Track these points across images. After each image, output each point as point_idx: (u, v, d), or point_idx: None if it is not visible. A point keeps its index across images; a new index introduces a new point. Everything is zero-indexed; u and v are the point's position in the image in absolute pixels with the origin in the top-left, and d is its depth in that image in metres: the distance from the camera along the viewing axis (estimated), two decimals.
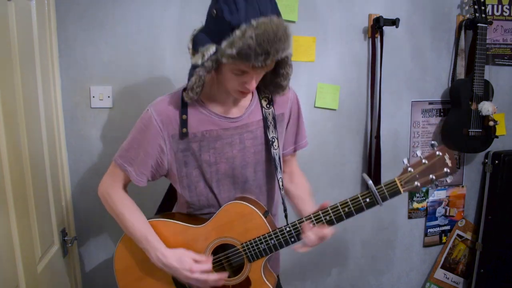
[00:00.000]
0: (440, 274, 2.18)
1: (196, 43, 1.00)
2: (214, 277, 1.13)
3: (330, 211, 1.09)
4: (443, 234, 2.15)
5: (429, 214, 2.11)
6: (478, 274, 2.14)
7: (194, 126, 1.11)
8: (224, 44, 0.92)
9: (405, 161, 1.05)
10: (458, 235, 2.17)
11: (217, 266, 1.19)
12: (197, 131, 1.12)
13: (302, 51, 1.81)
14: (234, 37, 0.90)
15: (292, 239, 1.11)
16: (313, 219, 1.09)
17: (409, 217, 2.09)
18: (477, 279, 2.14)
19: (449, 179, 1.04)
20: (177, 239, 1.17)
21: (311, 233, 1.08)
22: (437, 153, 1.02)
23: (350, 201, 1.08)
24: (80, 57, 1.60)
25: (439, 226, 2.14)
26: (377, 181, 1.93)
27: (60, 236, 1.50)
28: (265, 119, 1.17)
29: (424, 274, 2.18)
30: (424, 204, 2.09)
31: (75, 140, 1.65)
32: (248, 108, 1.16)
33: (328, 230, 1.08)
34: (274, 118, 1.19)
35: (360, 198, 1.07)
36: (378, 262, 2.10)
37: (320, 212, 1.09)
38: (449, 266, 2.18)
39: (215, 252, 1.18)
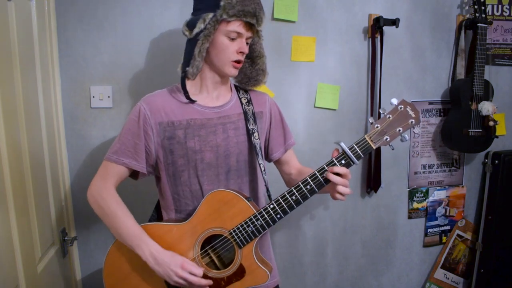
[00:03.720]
0: (440, 274, 2.18)
1: (192, 21, 1.15)
2: (205, 282, 1.13)
3: (309, 180, 1.11)
4: (443, 234, 2.15)
5: (429, 214, 2.11)
6: (478, 274, 2.14)
7: (179, 114, 1.19)
8: (222, 2, 1.11)
9: (371, 119, 1.12)
10: (458, 235, 2.17)
11: (209, 260, 1.19)
12: (182, 119, 1.19)
13: (302, 51, 1.81)
14: None
15: (278, 216, 1.13)
16: (294, 191, 1.12)
17: (409, 217, 2.09)
18: (477, 279, 2.14)
19: (416, 130, 1.11)
20: (163, 240, 1.17)
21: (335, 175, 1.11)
22: (399, 107, 1.10)
23: (327, 165, 1.11)
24: (80, 57, 1.60)
25: (439, 226, 2.14)
26: (377, 181, 1.93)
27: (60, 236, 1.50)
28: (245, 113, 1.25)
29: (424, 274, 2.18)
30: (424, 204, 2.09)
31: (75, 140, 1.65)
32: (229, 102, 1.25)
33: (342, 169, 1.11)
34: (253, 113, 1.27)
35: (336, 161, 1.11)
36: (378, 262, 2.10)
37: (300, 182, 1.12)
38: (449, 266, 2.18)
39: (204, 246, 1.17)
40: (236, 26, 1.14)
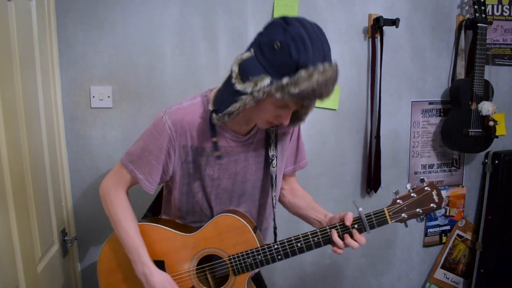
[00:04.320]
0: (440, 274, 2.18)
1: (247, 69, 0.95)
2: None
3: (319, 233, 1.11)
4: (443, 234, 2.15)
5: (429, 214, 2.10)
6: (478, 274, 2.14)
7: (204, 140, 1.12)
8: (285, 80, 0.90)
9: (395, 193, 1.10)
10: (458, 235, 2.17)
11: (202, 276, 1.20)
12: (207, 146, 1.12)
13: None
14: (299, 77, 0.89)
15: (279, 257, 1.13)
16: (301, 239, 1.12)
17: None
18: (477, 279, 2.14)
19: (433, 215, 1.12)
20: (164, 245, 1.18)
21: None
22: (426, 188, 1.09)
23: (339, 225, 1.11)
24: (80, 57, 1.60)
25: (439, 226, 2.13)
26: (377, 181, 1.93)
27: (60, 236, 1.50)
28: (268, 137, 1.18)
29: (424, 274, 2.18)
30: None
31: (75, 140, 1.65)
32: (256, 127, 1.16)
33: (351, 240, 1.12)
34: (276, 136, 1.20)
35: (349, 226, 1.10)
36: (378, 262, 2.10)
37: (308, 233, 1.12)
38: (449, 266, 2.18)
39: (201, 262, 1.18)
40: (288, 103, 0.97)
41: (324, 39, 0.93)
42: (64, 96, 1.61)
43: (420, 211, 1.09)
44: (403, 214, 1.09)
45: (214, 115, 1.02)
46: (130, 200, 1.21)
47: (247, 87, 0.94)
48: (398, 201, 1.09)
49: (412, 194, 1.09)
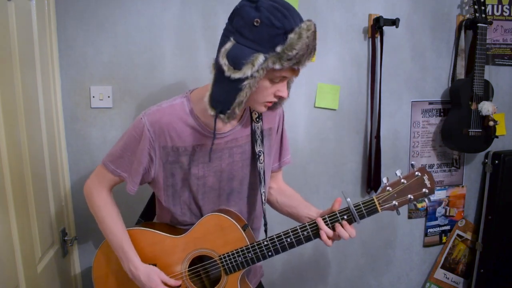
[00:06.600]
0: (440, 274, 2.18)
1: (237, 57, 0.95)
2: None
3: (308, 227, 1.10)
4: (443, 234, 2.15)
5: (429, 214, 2.11)
6: (478, 274, 2.14)
7: (185, 140, 1.11)
8: (279, 49, 0.93)
9: (385, 180, 1.08)
10: (458, 235, 2.17)
11: (195, 277, 1.20)
12: (188, 145, 1.12)
13: None
14: (291, 41, 0.93)
15: (270, 253, 1.12)
16: (291, 234, 1.11)
17: (409, 217, 2.09)
18: (477, 279, 2.14)
19: (427, 200, 1.07)
20: (154, 249, 1.18)
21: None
22: (416, 173, 1.05)
23: (328, 217, 1.10)
24: (80, 57, 1.60)
25: (439, 226, 2.14)
26: (377, 181, 1.93)
27: (60, 236, 1.50)
28: (253, 133, 1.18)
29: (424, 274, 2.18)
30: (424, 204, 2.09)
31: (75, 140, 1.65)
32: (239, 123, 1.16)
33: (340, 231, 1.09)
34: (262, 132, 1.19)
35: (339, 215, 1.09)
36: (378, 262, 2.10)
37: (297, 227, 1.11)
38: (449, 266, 2.18)
39: (193, 263, 1.18)
40: (285, 72, 0.99)
41: (288, 3, 0.97)
42: (64, 96, 1.61)
43: (412, 197, 1.05)
44: (393, 202, 1.06)
45: (221, 115, 1.01)
46: (114, 200, 1.21)
47: (246, 71, 0.94)
48: (387, 188, 1.06)
49: (402, 181, 1.05)
